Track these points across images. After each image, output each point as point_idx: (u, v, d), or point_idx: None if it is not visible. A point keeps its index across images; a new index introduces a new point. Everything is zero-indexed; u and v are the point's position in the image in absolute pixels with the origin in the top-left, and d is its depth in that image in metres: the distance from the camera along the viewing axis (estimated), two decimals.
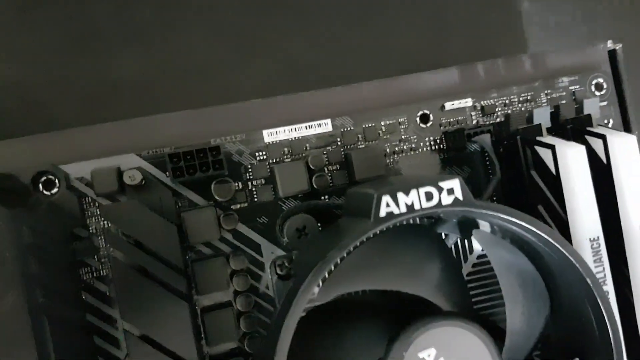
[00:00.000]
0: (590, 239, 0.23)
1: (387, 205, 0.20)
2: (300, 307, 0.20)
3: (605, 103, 0.31)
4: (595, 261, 0.23)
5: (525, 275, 0.22)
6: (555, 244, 0.21)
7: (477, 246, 0.26)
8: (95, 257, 0.26)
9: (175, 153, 0.25)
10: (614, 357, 0.21)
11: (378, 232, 0.21)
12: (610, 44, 0.31)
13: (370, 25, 0.37)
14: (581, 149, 0.23)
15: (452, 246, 0.26)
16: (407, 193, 0.20)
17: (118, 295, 0.25)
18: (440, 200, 0.20)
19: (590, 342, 0.22)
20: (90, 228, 0.26)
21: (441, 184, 0.20)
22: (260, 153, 0.27)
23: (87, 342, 0.25)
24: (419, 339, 0.21)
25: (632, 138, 0.24)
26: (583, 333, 0.22)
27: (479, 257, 0.26)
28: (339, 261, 0.21)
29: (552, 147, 0.24)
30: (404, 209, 0.20)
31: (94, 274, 0.26)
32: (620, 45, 0.31)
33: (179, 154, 0.25)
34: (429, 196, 0.20)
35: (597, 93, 0.30)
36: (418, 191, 0.20)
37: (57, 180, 0.25)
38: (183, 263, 0.25)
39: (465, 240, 0.26)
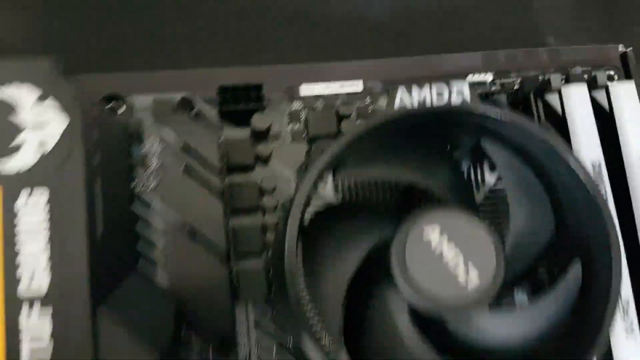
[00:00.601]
0: (592, 164, 0.25)
1: (401, 99, 0.23)
2: (306, 188, 0.22)
3: None
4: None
5: (530, 182, 0.24)
6: (559, 152, 0.23)
7: (489, 179, 0.28)
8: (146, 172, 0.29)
9: (225, 86, 0.30)
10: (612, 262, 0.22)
11: (391, 128, 0.23)
12: (621, 48, 0.35)
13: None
14: (583, 86, 0.26)
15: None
16: (420, 87, 0.23)
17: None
18: (450, 99, 0.23)
19: (593, 253, 0.23)
20: (146, 146, 0.29)
21: (452, 82, 0.23)
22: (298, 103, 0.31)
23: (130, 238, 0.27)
24: (426, 217, 0.22)
25: (631, 84, 0.27)
26: (587, 245, 0.23)
27: (491, 191, 0.28)
28: (350, 157, 0.23)
29: (558, 90, 0.26)
30: (416, 103, 0.23)
31: (142, 186, 0.29)
32: (631, 48, 0.35)
33: (227, 87, 0.30)
34: (439, 93, 0.23)
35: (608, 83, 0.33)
36: (430, 87, 0.23)
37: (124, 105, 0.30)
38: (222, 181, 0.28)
39: (478, 171, 0.28)
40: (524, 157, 0.24)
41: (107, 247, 0.24)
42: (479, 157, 0.26)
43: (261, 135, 0.30)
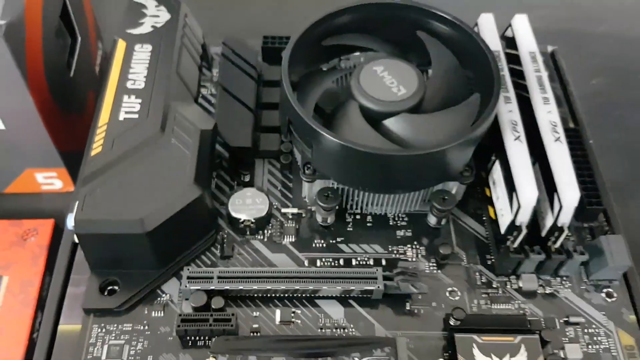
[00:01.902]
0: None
1: None
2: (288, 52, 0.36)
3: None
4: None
5: (447, 55, 0.36)
6: (474, 36, 0.36)
7: None
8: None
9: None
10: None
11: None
12: (550, 48, 0.48)
13: None
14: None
15: None
16: None
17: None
18: None
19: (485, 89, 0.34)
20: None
21: None
22: None
23: None
24: (375, 61, 0.35)
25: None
26: (482, 86, 0.35)
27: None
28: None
29: None
30: None
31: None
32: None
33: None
34: None
35: None
36: None
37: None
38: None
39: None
40: (448, 45, 0.37)
41: (180, 83, 0.38)
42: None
43: None
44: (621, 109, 0.56)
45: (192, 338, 0.32)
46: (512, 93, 0.36)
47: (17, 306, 0.41)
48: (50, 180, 0.47)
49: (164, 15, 0.40)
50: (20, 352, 0.39)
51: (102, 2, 0.58)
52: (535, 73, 0.37)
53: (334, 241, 0.37)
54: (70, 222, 0.31)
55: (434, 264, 0.36)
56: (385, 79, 0.35)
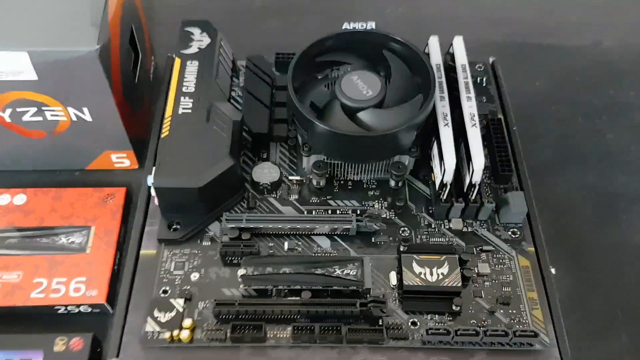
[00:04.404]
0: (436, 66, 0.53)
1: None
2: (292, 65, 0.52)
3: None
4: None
5: (403, 69, 0.52)
6: (417, 52, 0.52)
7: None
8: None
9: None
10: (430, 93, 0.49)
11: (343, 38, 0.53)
12: (491, 59, 0.63)
13: None
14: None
15: None
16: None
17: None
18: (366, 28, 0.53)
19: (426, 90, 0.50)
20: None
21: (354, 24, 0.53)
22: None
23: None
24: (352, 73, 0.51)
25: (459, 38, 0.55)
26: (426, 89, 0.50)
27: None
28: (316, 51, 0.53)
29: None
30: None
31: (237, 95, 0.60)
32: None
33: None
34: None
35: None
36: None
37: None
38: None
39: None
40: (402, 59, 0.53)
41: (218, 88, 0.55)
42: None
43: None
44: (557, 104, 0.71)
45: (229, 258, 0.49)
46: (446, 94, 0.51)
47: (103, 247, 0.58)
48: (122, 160, 0.64)
49: (206, 40, 0.57)
50: (106, 278, 0.55)
51: (154, 30, 0.75)
52: (464, 80, 0.52)
53: (324, 198, 0.53)
54: (150, 179, 0.48)
55: (393, 213, 0.52)
56: (359, 85, 0.51)
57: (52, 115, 0.59)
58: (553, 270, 0.49)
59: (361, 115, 0.50)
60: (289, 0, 0.83)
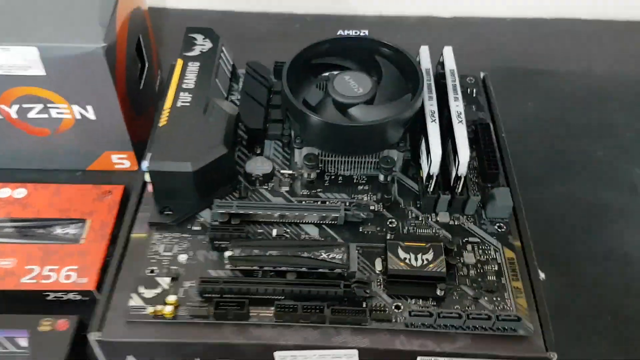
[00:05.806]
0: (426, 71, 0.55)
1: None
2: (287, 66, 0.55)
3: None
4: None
5: (394, 72, 0.54)
6: (408, 56, 0.54)
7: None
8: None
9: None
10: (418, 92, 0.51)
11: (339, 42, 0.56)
12: (482, 74, 0.66)
13: None
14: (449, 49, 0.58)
15: None
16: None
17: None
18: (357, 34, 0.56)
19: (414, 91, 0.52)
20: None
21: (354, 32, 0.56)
22: None
23: None
24: (344, 73, 0.53)
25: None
26: (414, 89, 0.52)
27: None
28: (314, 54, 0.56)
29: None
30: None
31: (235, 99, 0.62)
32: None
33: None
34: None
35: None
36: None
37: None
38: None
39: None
40: (393, 64, 0.55)
41: (217, 86, 0.57)
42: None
43: None
44: (547, 124, 0.73)
45: (218, 243, 0.49)
46: (434, 94, 0.53)
47: (97, 239, 0.59)
48: (122, 160, 0.66)
49: (208, 44, 0.60)
50: (97, 267, 0.56)
51: (162, 44, 0.79)
52: (452, 82, 0.54)
53: (315, 191, 0.54)
54: (144, 164, 0.49)
55: (381, 206, 0.52)
56: (351, 83, 0.53)
57: (57, 112, 0.61)
58: (542, 275, 0.49)
59: (352, 110, 0.52)
60: (293, 27, 0.87)
